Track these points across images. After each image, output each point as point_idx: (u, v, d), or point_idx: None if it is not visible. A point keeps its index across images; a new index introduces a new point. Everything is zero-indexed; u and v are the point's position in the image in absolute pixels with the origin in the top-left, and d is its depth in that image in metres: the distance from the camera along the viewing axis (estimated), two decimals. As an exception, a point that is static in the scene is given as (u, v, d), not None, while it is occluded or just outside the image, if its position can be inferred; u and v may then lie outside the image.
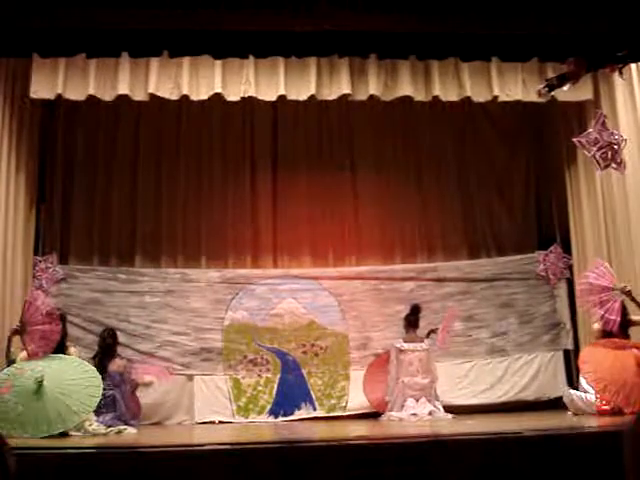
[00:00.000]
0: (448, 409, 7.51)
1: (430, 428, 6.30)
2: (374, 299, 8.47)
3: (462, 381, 8.23)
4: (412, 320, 7.86)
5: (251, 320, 8.32)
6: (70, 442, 5.37)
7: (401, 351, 7.71)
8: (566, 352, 8.53)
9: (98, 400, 6.06)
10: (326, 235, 8.90)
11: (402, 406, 7.39)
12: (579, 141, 6.46)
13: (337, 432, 6.31)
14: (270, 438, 5.82)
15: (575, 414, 6.70)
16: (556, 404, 8.14)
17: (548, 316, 8.60)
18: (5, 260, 7.44)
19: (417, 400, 7.42)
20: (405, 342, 7.77)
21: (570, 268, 8.50)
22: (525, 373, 8.38)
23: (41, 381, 5.81)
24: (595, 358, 6.69)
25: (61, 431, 5.66)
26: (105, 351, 7.26)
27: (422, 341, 7.77)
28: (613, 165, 6.41)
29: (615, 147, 6.32)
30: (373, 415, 7.76)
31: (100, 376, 6.31)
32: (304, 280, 8.54)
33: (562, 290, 8.60)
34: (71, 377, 6.08)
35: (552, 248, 8.69)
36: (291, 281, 8.52)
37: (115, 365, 7.23)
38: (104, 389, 6.55)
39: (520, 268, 8.74)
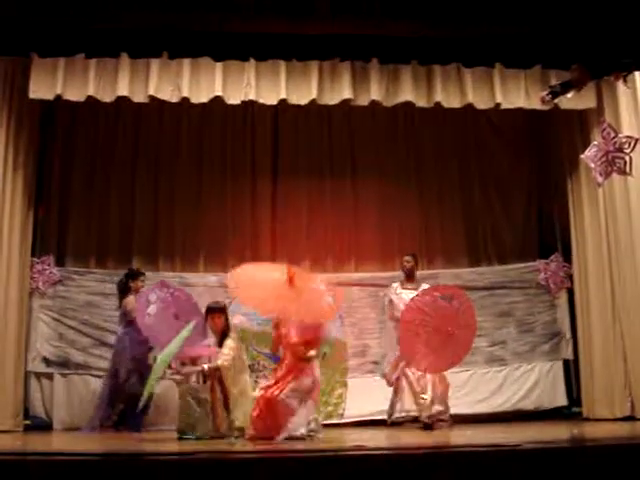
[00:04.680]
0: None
1: (429, 439, 6.23)
2: (373, 306, 8.39)
3: (460, 390, 8.13)
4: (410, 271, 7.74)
5: (249, 325, 8.24)
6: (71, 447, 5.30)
7: (396, 294, 7.59)
8: (566, 362, 8.47)
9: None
10: (325, 241, 8.84)
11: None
12: (585, 156, 6.33)
13: (334, 440, 6.23)
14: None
15: None
16: (555, 414, 8.12)
17: (548, 325, 8.53)
18: (1, 261, 7.39)
19: None
20: (401, 288, 7.64)
21: (570, 277, 8.42)
22: (524, 383, 8.30)
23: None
24: None
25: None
26: (121, 289, 7.56)
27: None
28: (615, 172, 6.26)
29: (614, 153, 6.16)
30: (370, 423, 7.69)
31: None
32: (302, 286, 8.45)
33: (562, 300, 8.54)
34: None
35: (553, 257, 8.62)
36: (289, 286, 8.43)
37: (125, 302, 7.46)
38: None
39: (520, 277, 8.66)
